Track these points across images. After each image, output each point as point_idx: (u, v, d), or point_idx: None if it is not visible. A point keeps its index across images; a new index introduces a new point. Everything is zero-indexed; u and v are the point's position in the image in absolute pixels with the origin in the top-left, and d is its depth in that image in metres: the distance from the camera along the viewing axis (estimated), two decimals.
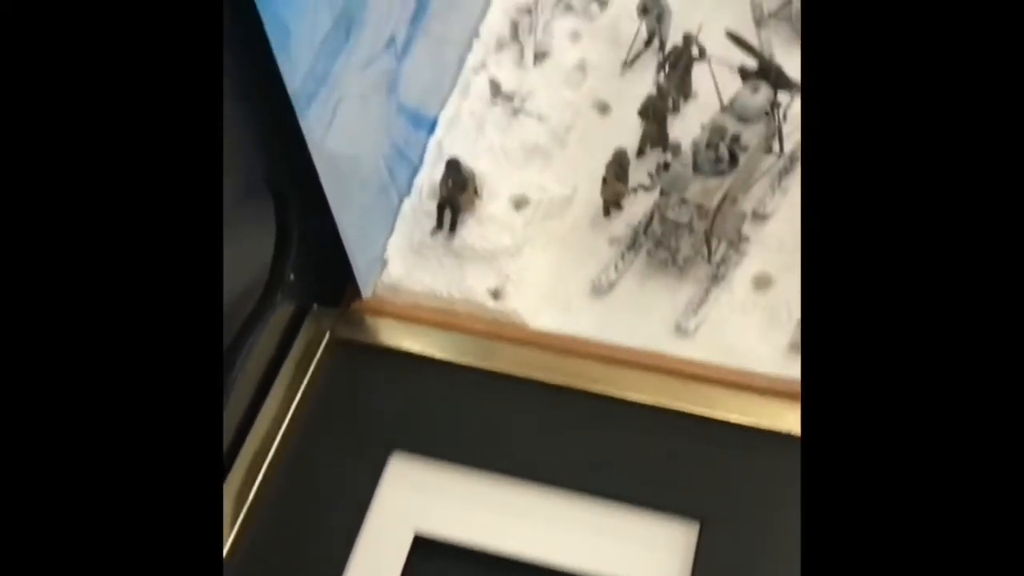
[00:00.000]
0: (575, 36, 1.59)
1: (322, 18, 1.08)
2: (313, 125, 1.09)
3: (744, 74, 1.38)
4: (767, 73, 1.36)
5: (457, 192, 1.30)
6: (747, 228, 1.36)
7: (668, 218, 1.27)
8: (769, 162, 1.41)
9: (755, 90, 1.34)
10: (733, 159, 1.29)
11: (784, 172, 1.41)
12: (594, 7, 1.62)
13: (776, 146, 1.41)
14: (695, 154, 1.28)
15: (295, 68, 1.03)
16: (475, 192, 1.32)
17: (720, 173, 1.28)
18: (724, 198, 1.29)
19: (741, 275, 1.32)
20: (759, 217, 1.38)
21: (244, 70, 1.01)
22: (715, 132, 1.31)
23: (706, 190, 1.27)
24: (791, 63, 1.42)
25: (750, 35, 1.42)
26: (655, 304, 1.30)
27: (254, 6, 0.96)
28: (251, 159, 1.10)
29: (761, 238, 1.36)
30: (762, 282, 1.31)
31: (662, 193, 1.28)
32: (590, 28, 1.60)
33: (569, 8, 1.62)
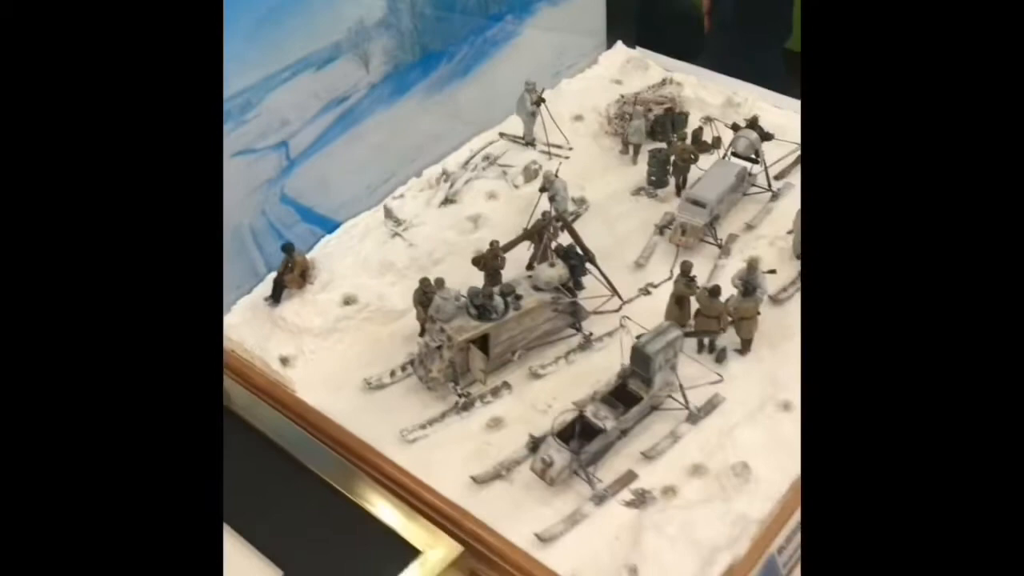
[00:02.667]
0: (492, 196, 1.84)
1: None
2: None
3: (557, 252, 1.56)
4: (570, 258, 1.54)
5: (285, 271, 1.58)
6: (514, 378, 1.51)
7: (426, 341, 1.47)
8: (562, 335, 1.56)
9: (552, 266, 1.52)
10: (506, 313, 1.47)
11: (580, 349, 1.55)
12: (521, 179, 1.87)
13: (578, 323, 1.56)
14: (470, 296, 1.47)
15: None
16: (303, 276, 1.59)
17: (485, 319, 1.46)
18: (486, 341, 1.47)
19: (483, 414, 1.47)
20: (533, 375, 1.52)
21: None
22: (504, 287, 1.50)
23: (461, 327, 1.45)
24: (662, 268, 1.60)
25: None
26: (402, 413, 1.48)
27: None
28: None
29: (521, 391, 1.50)
30: (495, 425, 1.45)
31: (431, 320, 1.49)
32: (509, 194, 1.85)
33: (504, 175, 1.88)
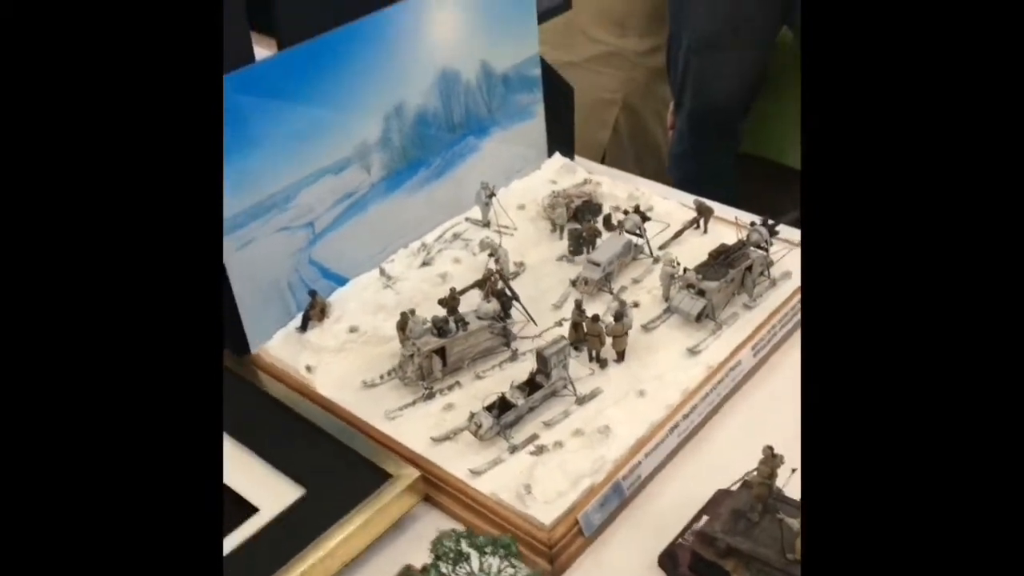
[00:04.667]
0: (456, 260, 2.60)
1: (243, 200, 2.20)
2: (227, 246, 2.19)
3: (493, 294, 2.30)
4: (501, 297, 2.28)
5: (310, 309, 2.33)
6: (464, 379, 2.24)
7: (402, 352, 2.20)
8: (499, 352, 2.29)
9: (488, 302, 2.26)
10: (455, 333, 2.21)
11: (510, 360, 2.28)
12: (478, 249, 2.62)
13: (509, 342, 2.30)
14: (433, 322, 2.21)
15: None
16: (322, 312, 2.34)
17: (443, 336, 2.19)
18: (443, 353, 2.20)
19: (441, 401, 2.19)
20: (478, 377, 2.25)
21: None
22: (456, 316, 2.24)
23: (427, 341, 2.19)
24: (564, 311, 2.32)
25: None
26: (387, 401, 2.20)
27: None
28: None
29: (468, 387, 2.22)
30: (448, 408, 2.17)
31: (407, 338, 2.22)
32: (469, 260, 2.61)
33: (466, 246, 2.65)
